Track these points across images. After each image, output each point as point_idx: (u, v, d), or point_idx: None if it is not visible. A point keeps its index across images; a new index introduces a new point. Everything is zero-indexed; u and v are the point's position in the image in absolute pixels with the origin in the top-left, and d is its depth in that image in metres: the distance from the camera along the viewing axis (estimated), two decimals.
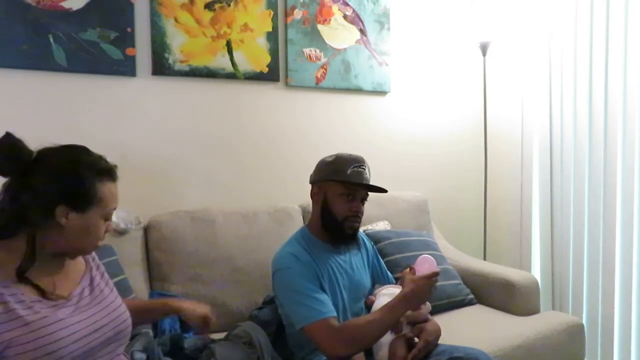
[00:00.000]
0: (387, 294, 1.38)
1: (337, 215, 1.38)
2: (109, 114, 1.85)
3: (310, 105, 2.28)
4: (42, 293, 0.92)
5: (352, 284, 1.43)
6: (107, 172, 0.99)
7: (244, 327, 1.34)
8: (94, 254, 1.14)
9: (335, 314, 1.27)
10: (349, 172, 1.36)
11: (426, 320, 1.37)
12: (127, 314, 1.07)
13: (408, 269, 1.40)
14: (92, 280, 1.06)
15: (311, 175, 1.46)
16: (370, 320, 1.25)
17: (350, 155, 1.41)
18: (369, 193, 1.43)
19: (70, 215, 0.94)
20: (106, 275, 1.13)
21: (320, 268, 1.35)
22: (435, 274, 1.30)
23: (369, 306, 1.42)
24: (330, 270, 1.38)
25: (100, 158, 1.00)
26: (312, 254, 1.36)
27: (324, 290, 1.32)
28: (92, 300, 1.02)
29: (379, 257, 1.61)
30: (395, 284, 1.50)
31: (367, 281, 1.50)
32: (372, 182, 1.41)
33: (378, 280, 1.56)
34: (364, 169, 1.39)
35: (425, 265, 1.35)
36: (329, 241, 1.42)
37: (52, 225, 0.93)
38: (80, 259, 1.09)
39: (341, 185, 1.37)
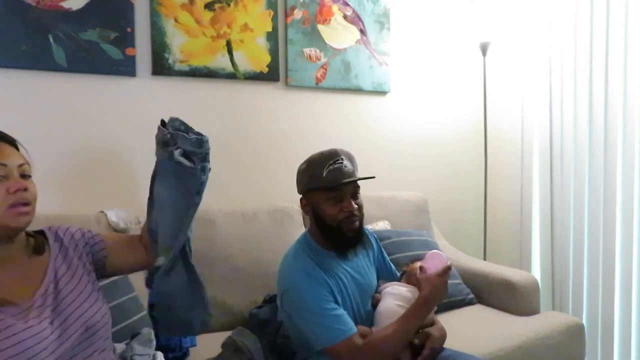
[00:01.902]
0: (392, 294, 1.36)
1: (331, 221, 1.29)
2: (108, 114, 1.85)
3: (310, 105, 2.28)
4: None
5: (360, 289, 1.38)
6: None
7: (232, 335, 1.34)
8: (66, 231, 1.06)
9: (355, 329, 1.22)
10: (325, 174, 1.26)
11: (432, 324, 1.35)
12: (97, 306, 1.00)
13: (417, 265, 1.37)
14: (55, 274, 0.99)
15: (297, 188, 1.39)
16: (393, 332, 1.22)
17: (321, 153, 1.31)
18: (366, 187, 1.34)
19: None
20: (75, 261, 1.03)
21: (331, 280, 1.29)
22: (448, 269, 1.28)
23: (374, 305, 1.40)
24: (339, 281, 1.32)
25: None
26: (322, 267, 1.30)
27: (337, 303, 1.27)
28: (55, 298, 0.95)
29: (384, 252, 1.56)
30: (400, 278, 1.48)
31: (374, 280, 1.46)
32: (360, 170, 1.33)
33: (382, 275, 1.51)
34: (342, 163, 1.27)
35: (435, 261, 1.32)
36: (335, 250, 1.34)
37: None
38: (46, 254, 1.01)
39: (323, 190, 1.28)
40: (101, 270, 1.09)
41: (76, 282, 1.01)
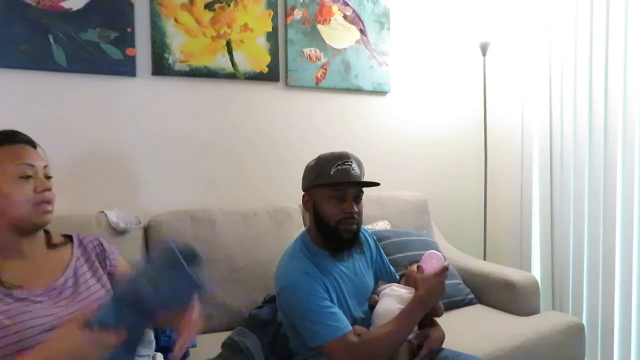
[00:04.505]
0: (391, 295, 1.36)
1: (329, 220, 1.29)
2: (108, 114, 1.85)
3: (310, 105, 2.28)
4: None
5: (356, 290, 1.39)
6: None
7: (232, 335, 1.34)
8: (91, 241, 1.15)
9: (350, 327, 1.22)
10: (332, 172, 1.27)
11: (432, 325, 1.35)
12: None
13: (416, 267, 1.37)
14: (75, 271, 1.07)
15: (301, 184, 1.40)
16: (389, 330, 1.22)
17: (332, 153, 1.32)
18: (366, 189, 1.34)
19: None
20: (97, 264, 1.12)
21: (327, 279, 1.30)
22: (445, 269, 1.29)
23: (372, 306, 1.41)
24: (334, 281, 1.33)
25: None
26: (318, 266, 1.30)
27: (332, 302, 1.27)
28: (75, 291, 1.03)
29: (382, 253, 1.56)
30: (399, 280, 1.49)
31: (370, 282, 1.47)
32: (365, 177, 1.34)
33: (381, 277, 1.51)
34: (350, 165, 1.29)
35: (432, 261, 1.33)
36: (329, 250, 1.35)
37: None
38: (65, 251, 1.10)
39: (327, 188, 1.29)
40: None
41: (95, 280, 1.09)
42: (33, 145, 1.08)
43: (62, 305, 0.99)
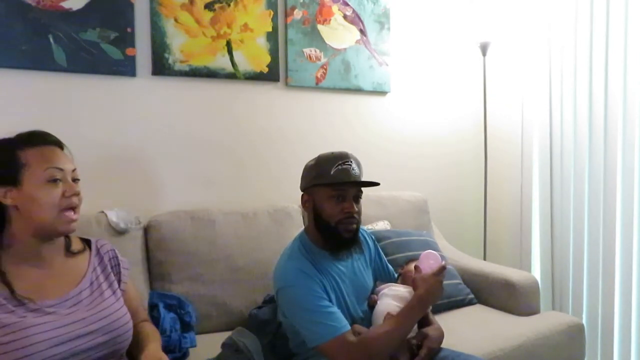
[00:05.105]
0: (390, 295, 1.37)
1: (330, 219, 1.30)
2: (109, 114, 1.85)
3: (310, 105, 2.28)
4: (12, 292, 0.92)
5: (355, 289, 1.39)
6: (25, 140, 1.01)
7: (232, 335, 1.34)
8: (108, 251, 1.14)
9: (349, 327, 1.22)
10: (333, 172, 1.28)
11: (429, 324, 1.35)
12: (126, 319, 1.05)
13: (412, 266, 1.38)
14: (92, 281, 1.05)
15: (300, 184, 1.40)
16: (388, 330, 1.22)
17: (332, 153, 1.33)
18: (366, 189, 1.35)
19: (10, 193, 0.96)
20: (112, 277, 1.11)
21: (325, 279, 1.30)
22: (443, 268, 1.29)
23: (371, 306, 1.41)
24: (333, 281, 1.33)
25: (22, 133, 1.02)
26: (316, 265, 1.31)
27: (331, 301, 1.27)
28: (90, 303, 1.01)
29: (381, 252, 1.57)
30: (397, 280, 1.49)
31: (369, 281, 1.47)
32: (365, 177, 1.34)
33: (380, 276, 1.52)
34: (350, 165, 1.30)
35: (430, 261, 1.33)
36: (328, 249, 1.35)
37: (9, 212, 0.97)
38: (82, 259, 1.08)
39: (327, 187, 1.29)
40: None
41: (111, 292, 1.08)
42: (61, 146, 1.06)
43: (74, 320, 0.97)
